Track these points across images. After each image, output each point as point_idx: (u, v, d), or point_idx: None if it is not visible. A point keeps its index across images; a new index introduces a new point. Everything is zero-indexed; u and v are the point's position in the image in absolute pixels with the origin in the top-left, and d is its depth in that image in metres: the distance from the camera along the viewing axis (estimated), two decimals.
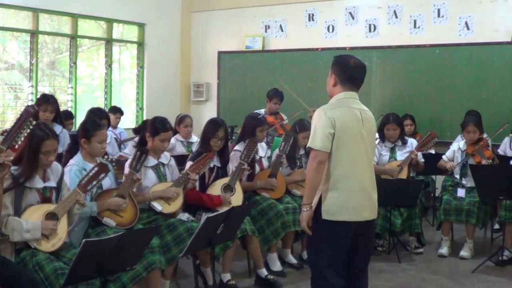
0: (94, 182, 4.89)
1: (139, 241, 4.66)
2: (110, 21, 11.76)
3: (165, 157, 6.04)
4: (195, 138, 8.12)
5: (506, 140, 8.78)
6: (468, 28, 10.26)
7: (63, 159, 5.57)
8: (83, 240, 4.17)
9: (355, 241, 4.50)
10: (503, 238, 7.10)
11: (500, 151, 8.71)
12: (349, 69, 4.56)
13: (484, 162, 7.56)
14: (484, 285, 6.53)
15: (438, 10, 10.50)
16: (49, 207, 4.74)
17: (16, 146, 5.31)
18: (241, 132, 7.03)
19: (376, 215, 4.68)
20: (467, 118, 8.40)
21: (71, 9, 10.88)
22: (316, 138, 4.40)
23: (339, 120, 4.40)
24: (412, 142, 7.92)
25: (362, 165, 4.52)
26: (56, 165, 4.99)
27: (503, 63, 9.87)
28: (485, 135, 8.24)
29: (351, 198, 4.44)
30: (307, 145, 4.55)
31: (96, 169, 4.90)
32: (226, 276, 6.15)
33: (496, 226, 8.22)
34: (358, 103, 4.59)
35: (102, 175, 4.93)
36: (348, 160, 4.44)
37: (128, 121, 11.80)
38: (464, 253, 7.43)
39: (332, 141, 4.39)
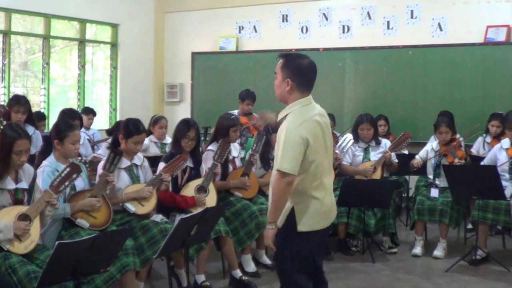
0: (66, 183, 4.84)
1: (113, 243, 4.62)
2: (83, 22, 11.68)
3: (138, 159, 6.01)
4: (169, 139, 8.07)
5: (480, 140, 8.90)
6: (441, 29, 10.33)
7: (36, 160, 5.52)
8: (57, 242, 4.12)
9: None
10: (476, 238, 7.15)
11: (474, 150, 8.81)
12: (304, 71, 4.28)
13: (456, 162, 7.61)
14: (458, 284, 6.57)
15: (411, 11, 10.56)
16: (22, 208, 4.70)
17: None
18: (214, 132, 7.03)
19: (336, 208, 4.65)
20: (439, 118, 8.45)
21: (44, 9, 10.79)
22: (286, 159, 4.13)
23: (312, 137, 4.19)
24: (386, 143, 7.95)
25: (329, 172, 4.48)
26: (28, 167, 4.94)
27: (476, 64, 9.93)
28: (457, 136, 8.30)
29: (323, 206, 4.35)
30: (276, 167, 4.21)
31: (68, 169, 4.86)
32: (201, 278, 6.14)
33: (469, 226, 8.28)
34: (316, 107, 4.38)
35: (74, 176, 4.88)
36: (319, 173, 4.31)
37: (101, 122, 11.75)
38: (437, 252, 7.47)
39: (302, 159, 4.19)
